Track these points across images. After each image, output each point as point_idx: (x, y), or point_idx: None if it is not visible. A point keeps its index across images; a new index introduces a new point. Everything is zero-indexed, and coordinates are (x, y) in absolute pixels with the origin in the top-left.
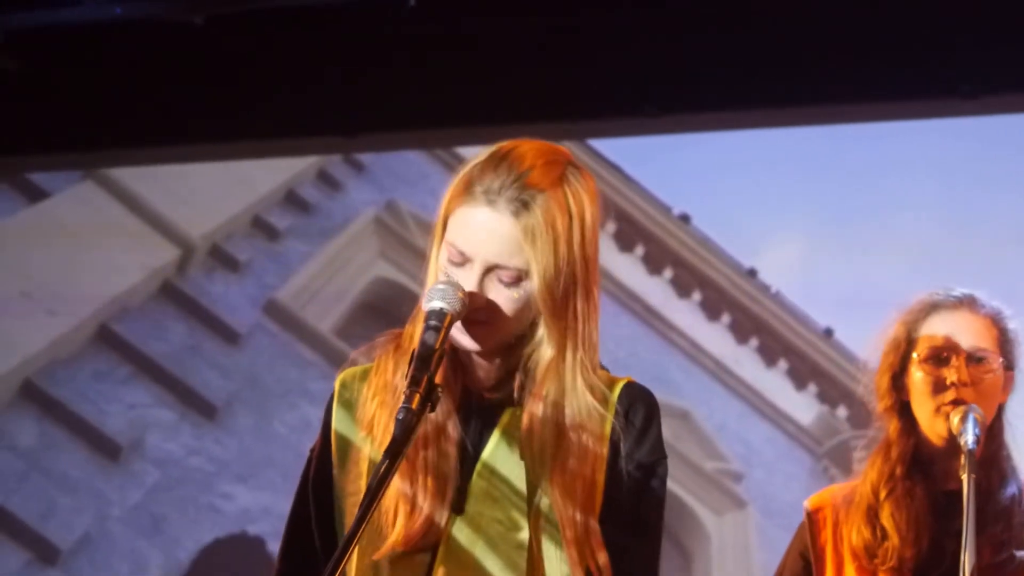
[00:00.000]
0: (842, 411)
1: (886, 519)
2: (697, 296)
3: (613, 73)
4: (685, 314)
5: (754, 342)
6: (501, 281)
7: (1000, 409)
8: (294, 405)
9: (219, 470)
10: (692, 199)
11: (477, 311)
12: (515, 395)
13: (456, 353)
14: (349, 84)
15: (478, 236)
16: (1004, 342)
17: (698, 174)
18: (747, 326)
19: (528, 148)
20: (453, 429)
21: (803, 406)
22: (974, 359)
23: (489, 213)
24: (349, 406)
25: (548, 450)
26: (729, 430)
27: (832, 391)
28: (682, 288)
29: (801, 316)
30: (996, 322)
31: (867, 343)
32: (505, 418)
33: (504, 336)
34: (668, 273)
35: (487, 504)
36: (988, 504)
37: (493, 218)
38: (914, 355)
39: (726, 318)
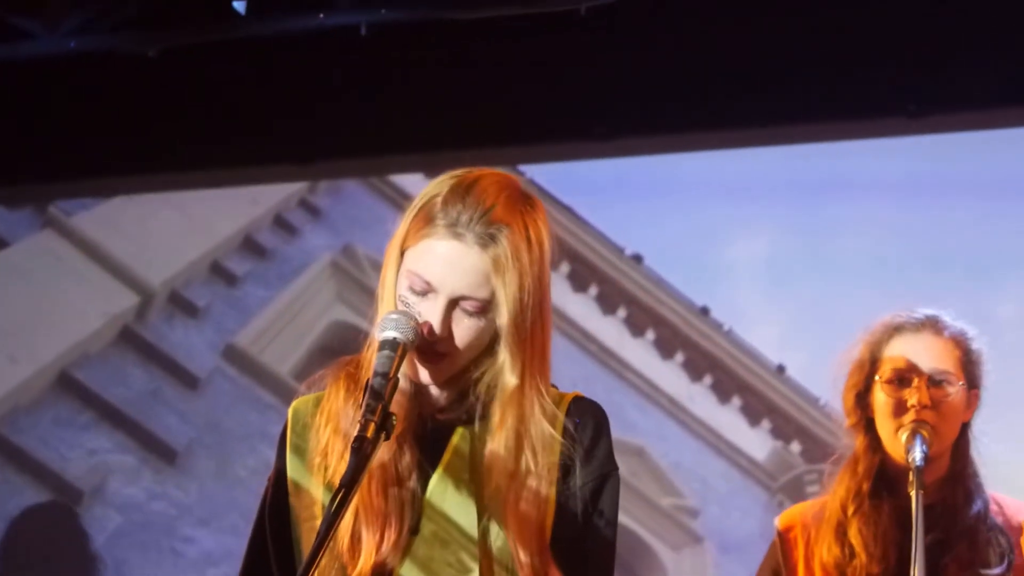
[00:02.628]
0: (796, 446)
1: (854, 536)
2: (651, 335)
3: (562, 98)
4: (639, 353)
5: (708, 379)
6: (465, 311)
7: (965, 427)
8: (254, 448)
9: (181, 514)
10: (643, 239)
11: (439, 342)
12: (467, 415)
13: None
14: (301, 113)
15: (445, 268)
16: (967, 363)
17: (648, 212)
18: (701, 364)
19: (489, 182)
20: (409, 457)
21: (757, 442)
22: (935, 381)
23: (457, 246)
24: (302, 434)
25: (503, 488)
26: (684, 467)
27: (785, 427)
28: (636, 327)
29: (754, 353)
30: (959, 343)
31: (831, 364)
32: (455, 439)
33: (462, 365)
34: (622, 312)
35: (437, 547)
36: (954, 521)
37: (460, 251)
38: (877, 376)
39: (680, 356)
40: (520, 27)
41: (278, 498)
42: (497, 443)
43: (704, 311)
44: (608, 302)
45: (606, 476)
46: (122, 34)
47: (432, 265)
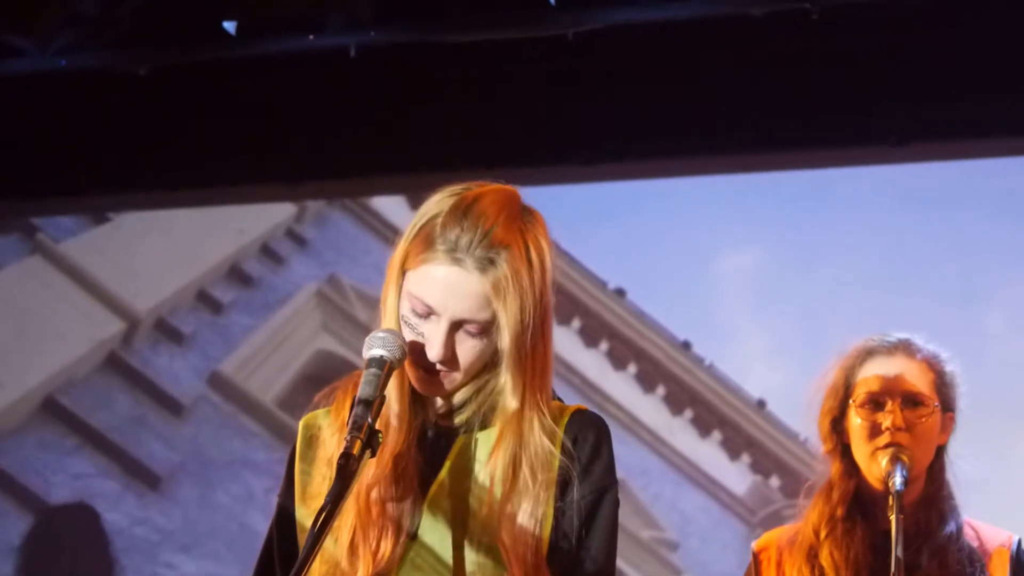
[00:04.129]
0: (775, 480)
1: (825, 559)
2: (633, 368)
3: (548, 122)
4: (621, 386)
5: (688, 413)
6: (468, 333)
7: (940, 450)
8: (238, 476)
9: (163, 540)
10: (627, 272)
11: (444, 363)
12: (468, 423)
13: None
14: (290, 134)
15: (446, 292)
16: (941, 385)
17: (632, 246)
18: (682, 398)
19: (488, 201)
20: (411, 463)
21: (737, 476)
22: (909, 403)
23: (457, 271)
24: (311, 444)
25: (499, 505)
26: (664, 500)
27: (765, 461)
28: (618, 360)
29: (734, 388)
30: (932, 366)
31: (807, 389)
32: (457, 447)
33: (465, 381)
34: (604, 345)
35: (434, 554)
36: (926, 543)
37: (461, 276)
38: (851, 400)
39: (661, 390)
40: (508, 51)
41: (285, 509)
42: (495, 462)
43: (686, 345)
44: (591, 335)
45: (604, 490)
46: (112, 53)
47: (433, 290)
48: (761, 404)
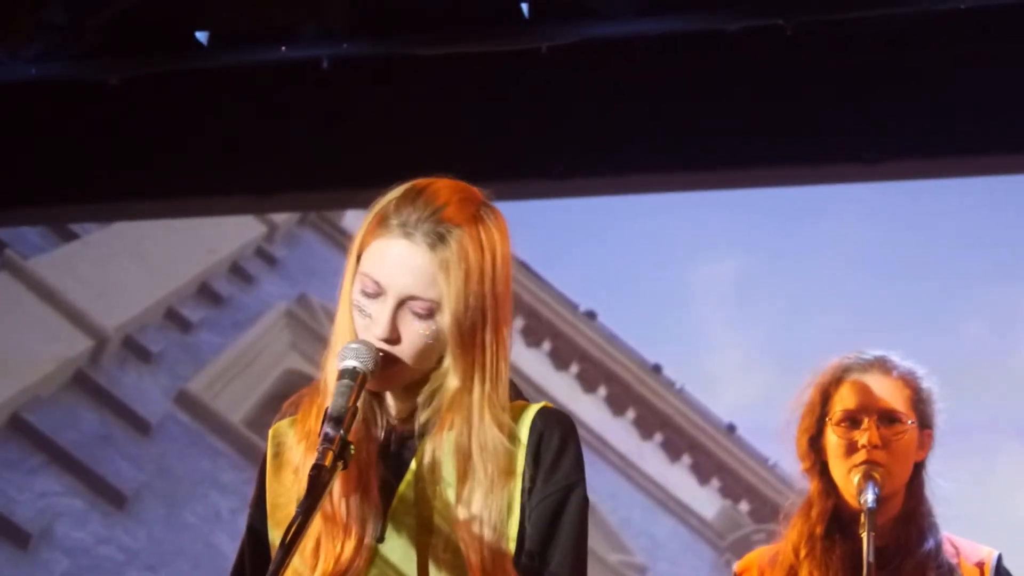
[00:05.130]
0: (744, 505)
1: None
2: (603, 391)
3: (521, 136)
4: (591, 409)
5: (658, 437)
6: (414, 313)
7: (918, 467)
8: (205, 495)
9: (129, 559)
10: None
11: (389, 343)
12: (424, 427)
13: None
14: (261, 145)
15: (394, 268)
16: (918, 401)
17: (603, 265)
18: (652, 421)
19: (443, 185)
20: (371, 467)
21: (706, 500)
22: (885, 421)
23: (406, 245)
24: (279, 454)
25: (452, 485)
26: (634, 524)
27: (735, 486)
28: (588, 383)
29: (704, 412)
30: (909, 382)
31: (785, 407)
32: (418, 452)
33: (412, 374)
34: (574, 368)
35: (402, 557)
36: (905, 560)
37: (410, 250)
38: (828, 418)
39: (631, 413)
40: (481, 64)
41: (256, 520)
42: (439, 448)
43: (656, 368)
44: (561, 358)
45: (571, 487)
46: (84, 62)
47: (381, 266)
48: (731, 428)
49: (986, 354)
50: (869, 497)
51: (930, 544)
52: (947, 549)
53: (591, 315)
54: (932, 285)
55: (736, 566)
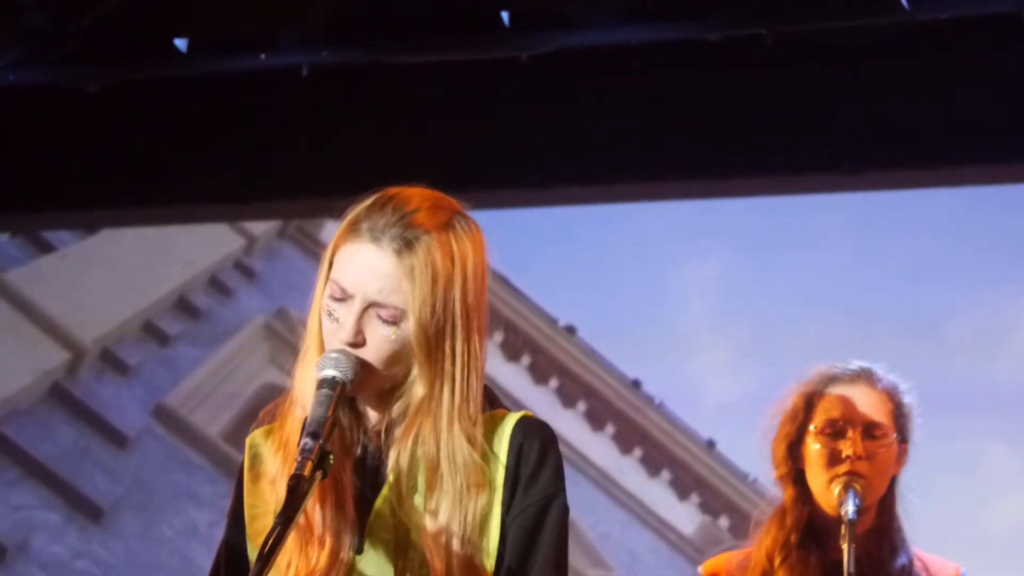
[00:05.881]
0: (724, 521)
1: None
2: (582, 406)
3: (500, 145)
4: (570, 424)
5: (638, 452)
6: (380, 319)
7: (893, 481)
8: (181, 509)
9: (106, 573)
10: (576, 309)
11: (354, 348)
12: (393, 439)
13: (353, 399)
14: (240, 153)
15: (360, 272)
16: (899, 416)
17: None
18: (631, 436)
19: (415, 192)
20: (347, 478)
21: (685, 516)
22: (870, 433)
23: (373, 250)
24: (256, 462)
25: (422, 494)
26: (613, 539)
27: (714, 502)
28: (567, 398)
29: (684, 427)
30: (892, 396)
31: (765, 413)
32: (393, 465)
33: (380, 380)
34: (553, 383)
35: (381, 568)
36: (879, 574)
37: (377, 255)
38: (811, 426)
39: (610, 428)
40: (461, 73)
41: (234, 529)
42: (409, 457)
43: (636, 384)
44: (540, 372)
45: (552, 497)
46: (62, 69)
47: (349, 270)
48: (711, 444)
49: (969, 357)
50: (850, 508)
51: (903, 560)
52: (916, 565)
53: (571, 330)
54: (916, 289)
55: (701, 569)
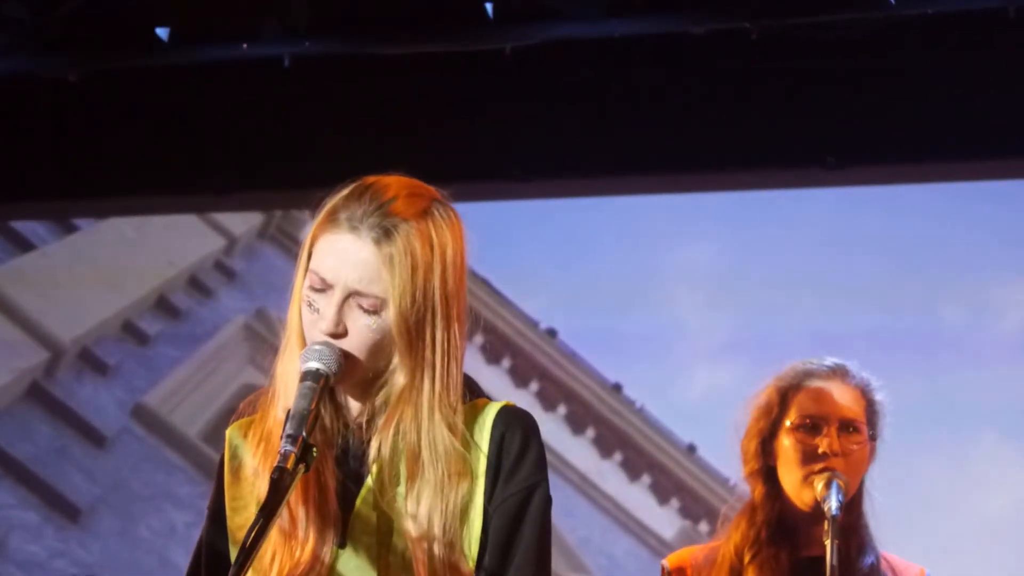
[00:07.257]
0: (704, 526)
1: None
2: (562, 409)
3: (482, 138)
4: (550, 427)
5: (618, 456)
6: (360, 308)
7: (862, 479)
8: (160, 509)
9: (82, 573)
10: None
11: (335, 339)
12: (375, 430)
13: (333, 390)
14: (221, 143)
15: (339, 262)
16: (871, 413)
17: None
18: (612, 440)
19: (393, 180)
20: (331, 471)
21: (666, 520)
22: (845, 429)
23: (352, 239)
24: (236, 456)
25: (404, 483)
26: (593, 543)
27: (695, 506)
28: (548, 401)
29: (665, 431)
30: (865, 393)
31: (739, 407)
32: (376, 457)
33: (363, 371)
34: (534, 386)
35: (364, 561)
36: (848, 572)
37: (355, 244)
38: (786, 422)
39: (591, 432)
40: (444, 65)
41: (215, 522)
42: (390, 447)
43: (617, 387)
44: (521, 375)
45: (534, 486)
46: (43, 57)
47: (328, 260)
48: (691, 449)
49: (961, 341)
50: (833, 504)
51: (871, 559)
52: (883, 565)
53: (551, 333)
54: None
55: (667, 562)
